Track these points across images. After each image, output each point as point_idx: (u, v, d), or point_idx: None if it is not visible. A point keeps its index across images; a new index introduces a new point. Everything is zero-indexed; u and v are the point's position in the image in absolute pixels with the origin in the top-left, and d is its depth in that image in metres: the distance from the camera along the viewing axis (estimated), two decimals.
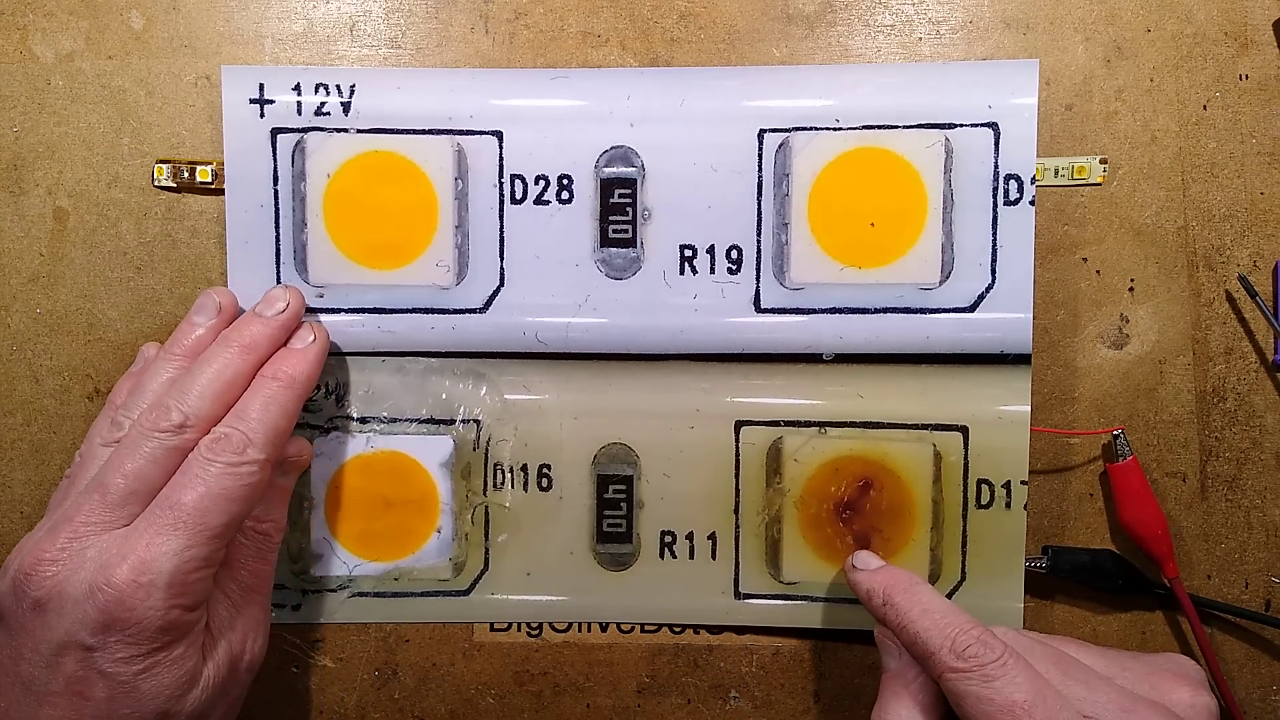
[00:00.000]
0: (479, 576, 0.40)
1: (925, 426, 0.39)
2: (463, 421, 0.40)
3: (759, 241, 0.39)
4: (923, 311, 0.38)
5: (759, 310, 0.39)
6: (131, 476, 0.32)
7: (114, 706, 0.31)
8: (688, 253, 0.39)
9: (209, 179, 0.39)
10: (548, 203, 0.39)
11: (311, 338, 0.37)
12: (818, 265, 0.38)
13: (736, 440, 0.39)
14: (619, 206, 0.39)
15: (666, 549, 0.40)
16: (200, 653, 0.33)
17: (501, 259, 0.39)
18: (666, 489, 0.40)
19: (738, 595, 0.40)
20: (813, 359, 0.39)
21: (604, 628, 0.40)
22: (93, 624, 0.31)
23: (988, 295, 0.38)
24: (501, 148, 0.39)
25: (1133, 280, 0.39)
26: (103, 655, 0.31)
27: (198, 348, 0.37)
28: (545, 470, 0.40)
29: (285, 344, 0.37)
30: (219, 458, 0.33)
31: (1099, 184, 0.39)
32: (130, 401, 0.36)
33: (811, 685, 0.40)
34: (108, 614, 0.31)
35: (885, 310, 0.39)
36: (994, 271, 0.38)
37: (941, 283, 0.38)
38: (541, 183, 0.39)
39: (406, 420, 0.39)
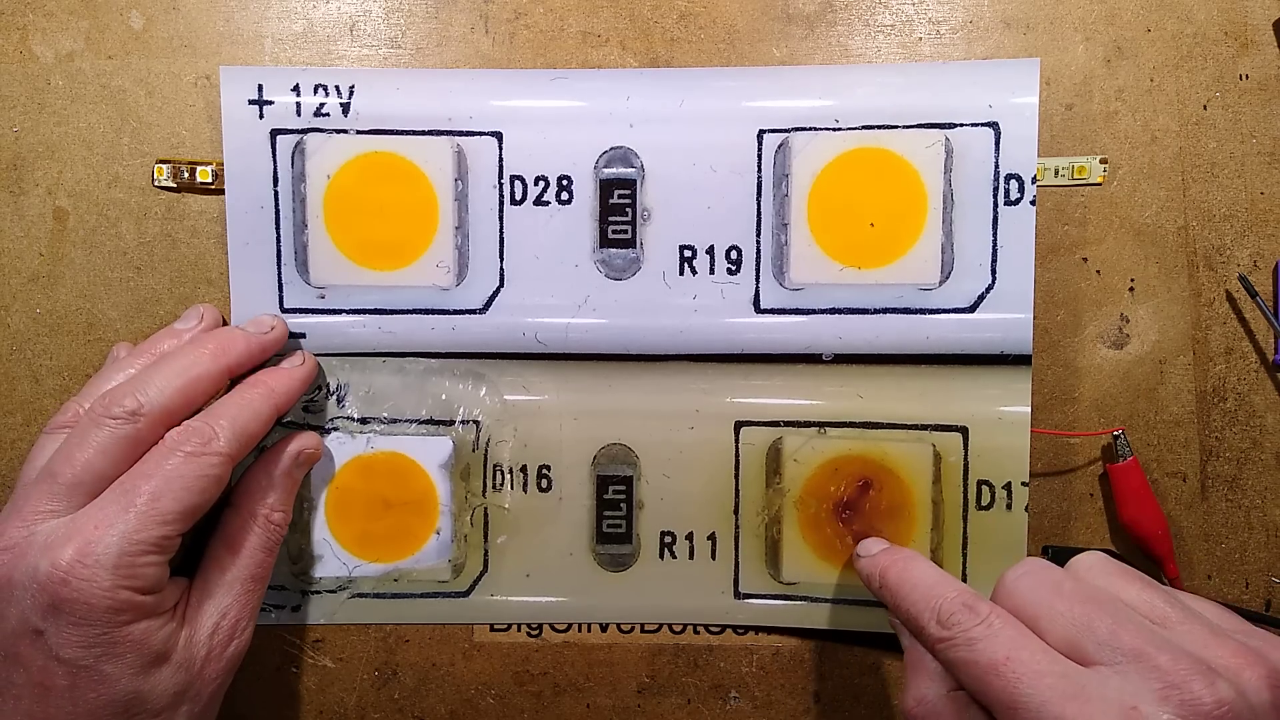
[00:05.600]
0: (478, 578, 0.40)
1: (925, 427, 0.39)
2: (462, 422, 0.40)
3: (758, 242, 0.39)
4: (923, 312, 0.38)
5: (758, 310, 0.39)
6: (80, 466, 0.32)
7: (79, 693, 0.31)
8: (687, 253, 0.39)
9: (209, 179, 0.39)
10: (547, 203, 0.39)
11: (300, 361, 0.38)
12: (817, 266, 0.38)
13: (736, 441, 0.39)
14: (619, 207, 0.39)
15: (666, 549, 0.40)
16: (172, 630, 0.33)
17: (501, 260, 0.39)
18: (666, 489, 0.40)
19: (737, 595, 0.40)
20: (812, 359, 0.39)
21: (604, 628, 0.40)
22: (41, 607, 0.30)
23: (988, 295, 0.38)
24: (501, 148, 0.39)
25: (1133, 280, 0.39)
26: (56, 640, 0.30)
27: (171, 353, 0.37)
28: (545, 471, 0.40)
29: (267, 366, 0.38)
30: (182, 446, 0.33)
31: (1099, 184, 0.39)
32: (86, 390, 0.36)
33: (811, 685, 0.40)
34: (54, 595, 0.30)
35: (885, 310, 0.39)
36: (994, 272, 0.38)
37: (941, 283, 0.38)
38: (541, 183, 0.39)
39: (406, 421, 0.39)
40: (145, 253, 0.40)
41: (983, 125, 0.38)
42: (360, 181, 0.38)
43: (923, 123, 0.38)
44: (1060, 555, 0.39)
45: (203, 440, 0.33)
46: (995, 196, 0.38)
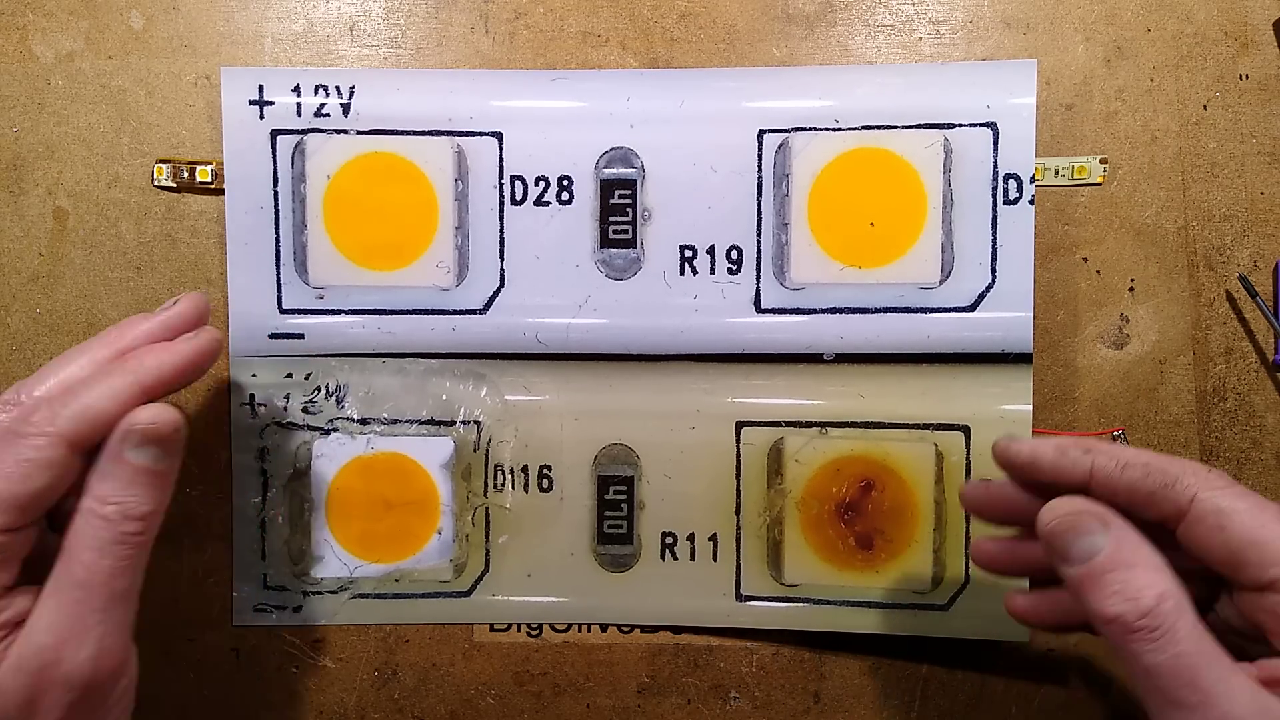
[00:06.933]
0: (480, 578, 0.40)
1: (927, 426, 0.39)
2: (463, 423, 0.40)
3: (759, 242, 0.39)
4: (923, 311, 0.38)
5: (759, 310, 0.39)
6: None
7: None
8: (688, 253, 0.39)
9: (209, 179, 0.39)
10: (548, 204, 0.39)
11: (194, 336, 0.32)
12: (818, 265, 0.38)
13: (737, 441, 0.39)
14: (619, 207, 0.39)
15: (667, 550, 0.40)
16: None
17: (502, 260, 0.39)
18: (667, 490, 0.40)
19: (739, 597, 0.40)
20: (813, 359, 0.39)
21: (604, 628, 0.40)
22: None
23: (988, 294, 0.38)
24: (501, 149, 0.39)
25: (1133, 280, 0.39)
26: None
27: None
28: (546, 471, 0.40)
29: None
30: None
31: (1099, 184, 0.39)
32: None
33: (811, 685, 0.40)
34: None
35: (886, 310, 0.39)
36: (994, 270, 0.38)
37: (942, 282, 0.38)
38: (541, 184, 0.39)
39: (407, 422, 0.39)
40: (145, 253, 0.40)
41: (981, 125, 0.38)
42: (360, 182, 0.38)
43: (922, 123, 0.38)
44: None
45: (21, 416, 0.29)
46: (994, 196, 0.38)
